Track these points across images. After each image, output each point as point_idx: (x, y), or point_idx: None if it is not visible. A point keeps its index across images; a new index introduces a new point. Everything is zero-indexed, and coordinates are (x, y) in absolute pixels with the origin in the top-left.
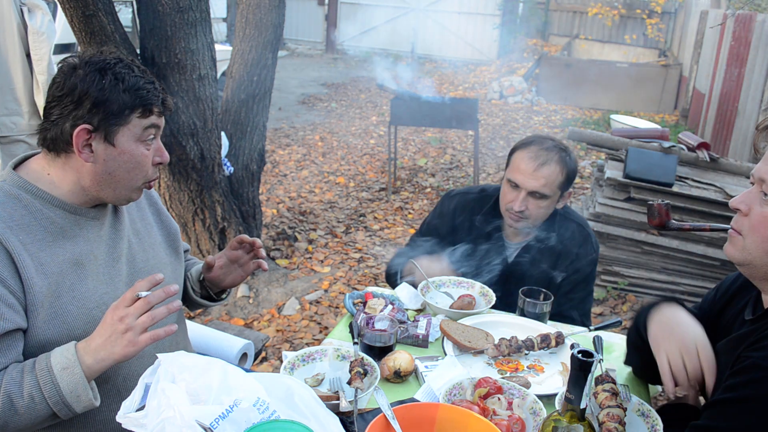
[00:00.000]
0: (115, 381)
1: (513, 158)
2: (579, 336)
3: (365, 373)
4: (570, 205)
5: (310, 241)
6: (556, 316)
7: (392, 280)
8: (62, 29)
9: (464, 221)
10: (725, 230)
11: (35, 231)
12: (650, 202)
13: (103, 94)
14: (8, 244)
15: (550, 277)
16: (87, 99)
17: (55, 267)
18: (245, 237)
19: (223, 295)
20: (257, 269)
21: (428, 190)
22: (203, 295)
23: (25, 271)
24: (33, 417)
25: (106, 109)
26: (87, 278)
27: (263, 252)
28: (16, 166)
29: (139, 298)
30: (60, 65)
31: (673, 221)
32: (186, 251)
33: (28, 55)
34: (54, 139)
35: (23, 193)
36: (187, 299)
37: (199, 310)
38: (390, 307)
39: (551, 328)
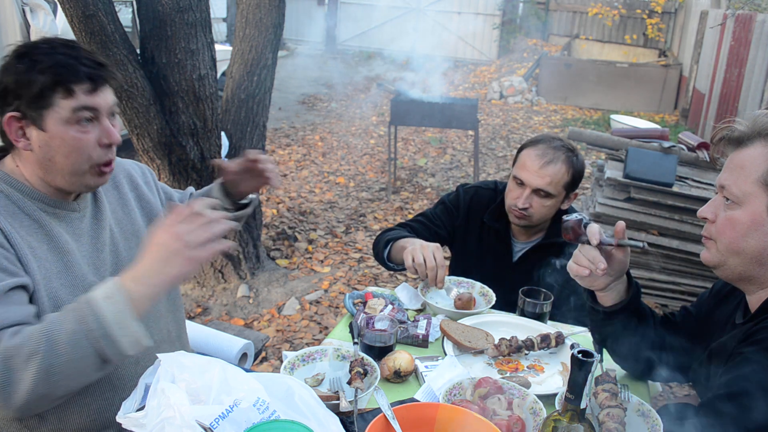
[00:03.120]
0: (113, 380)
1: (520, 156)
2: (579, 336)
3: (365, 373)
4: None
5: (310, 241)
6: (558, 317)
7: (379, 249)
8: (63, 28)
9: (476, 216)
10: (632, 246)
11: (21, 218)
12: (565, 219)
13: (19, 78)
14: (2, 225)
15: (554, 278)
16: (6, 86)
17: (43, 253)
18: (250, 154)
19: (247, 201)
20: (269, 183)
21: (428, 190)
22: (227, 208)
23: (20, 251)
24: (75, 360)
25: (26, 92)
26: (74, 267)
27: (269, 166)
28: None
29: (197, 214)
30: None
31: (584, 236)
32: (191, 195)
33: None
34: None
35: (4, 185)
36: None
37: (198, 309)
38: (390, 307)
39: (551, 328)
